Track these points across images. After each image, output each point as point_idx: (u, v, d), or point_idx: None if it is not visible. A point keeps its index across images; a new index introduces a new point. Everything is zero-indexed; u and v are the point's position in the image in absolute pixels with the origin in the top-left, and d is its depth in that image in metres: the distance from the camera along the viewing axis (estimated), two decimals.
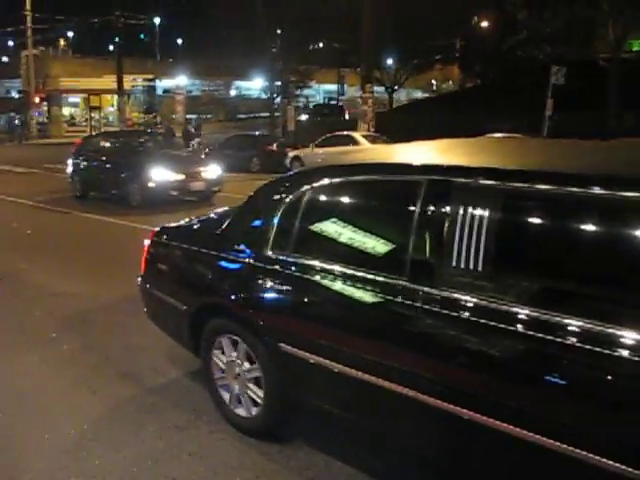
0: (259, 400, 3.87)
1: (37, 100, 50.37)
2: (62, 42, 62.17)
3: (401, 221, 3.13)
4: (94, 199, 15.63)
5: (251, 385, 3.91)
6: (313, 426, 3.96)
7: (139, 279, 4.80)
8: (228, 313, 3.95)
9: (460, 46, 43.26)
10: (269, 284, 3.64)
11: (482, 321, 2.68)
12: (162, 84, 57.63)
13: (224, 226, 4.21)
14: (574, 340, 2.43)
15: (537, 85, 22.10)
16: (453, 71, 49.93)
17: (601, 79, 22.77)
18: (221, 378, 4.13)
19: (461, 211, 2.84)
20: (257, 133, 27.69)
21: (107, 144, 16.35)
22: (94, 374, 4.99)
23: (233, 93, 65.11)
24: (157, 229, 4.80)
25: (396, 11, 30.86)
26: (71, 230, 11.94)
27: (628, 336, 2.32)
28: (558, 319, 2.48)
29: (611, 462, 2.30)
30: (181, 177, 13.94)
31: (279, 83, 40.77)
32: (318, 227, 3.59)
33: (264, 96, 47.47)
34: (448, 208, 2.89)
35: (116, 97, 46.86)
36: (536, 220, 2.78)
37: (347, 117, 40.67)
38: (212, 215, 5.06)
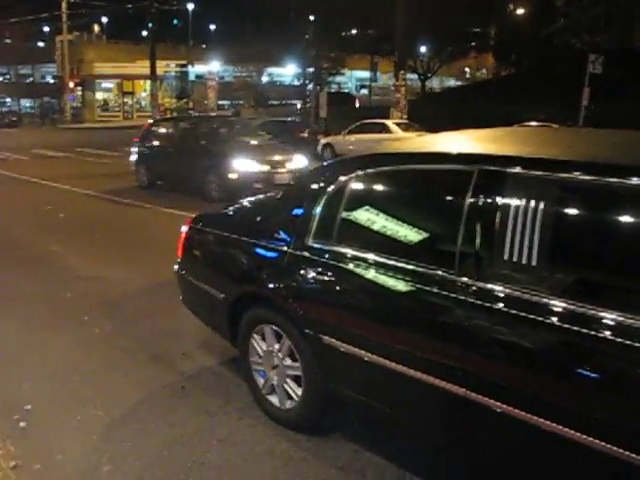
0: (295, 397, 3.84)
1: (71, 85, 50.93)
2: (96, 28, 62.65)
3: (450, 212, 3.05)
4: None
5: (289, 381, 3.87)
6: (343, 415, 3.92)
7: (175, 265, 4.80)
8: (268, 303, 3.90)
9: (495, 34, 42.71)
10: (310, 274, 3.56)
11: (531, 317, 2.60)
12: (194, 70, 57.70)
13: (264, 214, 4.17)
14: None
15: (574, 74, 21.70)
16: (487, 59, 49.39)
17: None
18: (257, 363, 4.09)
19: (513, 202, 2.75)
20: (288, 119, 27.57)
21: (178, 129, 15.07)
22: (125, 357, 5.02)
23: (265, 79, 65.07)
24: (194, 216, 4.78)
25: None
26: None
27: None
28: (622, 318, 2.38)
29: None
30: (266, 168, 12.46)
31: (311, 70, 40.66)
32: (362, 217, 3.50)
33: (296, 83, 47.42)
34: (500, 199, 2.80)
35: (149, 82, 47.17)
36: (593, 213, 2.66)
37: (357, 105, 40.25)
38: (248, 203, 5.03)
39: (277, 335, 3.89)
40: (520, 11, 39.24)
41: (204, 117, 20.39)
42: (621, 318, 2.38)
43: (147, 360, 4.96)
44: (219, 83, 55.01)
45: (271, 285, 3.82)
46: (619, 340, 2.36)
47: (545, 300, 2.59)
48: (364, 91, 65.97)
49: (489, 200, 2.84)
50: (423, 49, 42.65)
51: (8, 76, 65.29)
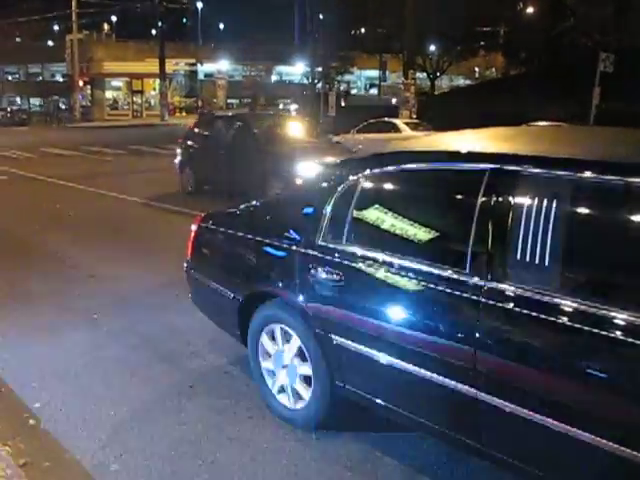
0: (305, 396, 3.82)
1: (81, 84, 51.11)
2: (106, 26, 62.74)
3: (461, 211, 3.04)
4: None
5: (299, 380, 3.85)
6: (352, 415, 3.90)
7: (185, 264, 4.79)
8: (277, 302, 3.89)
9: (504, 33, 42.54)
10: (320, 273, 3.53)
11: (543, 317, 2.58)
12: (203, 68, 57.92)
13: (274, 213, 4.15)
14: None
15: (584, 73, 21.59)
16: (496, 58, 49.14)
17: None
18: (267, 363, 4.08)
19: (526, 202, 2.73)
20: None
21: (227, 128, 13.23)
22: (134, 356, 5.02)
23: (274, 78, 65.08)
24: (203, 214, 4.77)
25: None
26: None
27: None
28: (634, 318, 2.35)
29: None
30: None
31: (320, 69, 40.66)
32: (372, 216, 3.47)
33: (305, 81, 47.43)
34: (512, 198, 2.77)
35: (158, 81, 47.31)
36: (606, 212, 2.63)
37: (343, 104, 39.77)
38: (257, 202, 5.02)
39: (286, 335, 3.88)
40: (530, 10, 39.10)
41: (257, 114, 18.33)
42: (633, 318, 2.35)
43: (156, 359, 4.96)
44: (228, 82, 55.16)
45: (280, 284, 3.81)
46: (631, 340, 2.35)
47: (557, 300, 2.57)
48: (373, 90, 65.95)
49: (501, 199, 2.81)
50: (432, 48, 42.55)
51: (18, 75, 65.57)
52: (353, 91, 62.45)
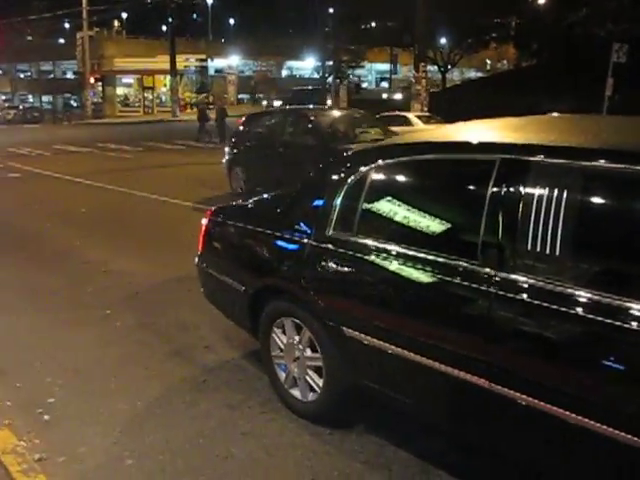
0: (317, 388, 3.81)
1: (92, 81, 51.27)
2: (116, 23, 62.92)
3: (472, 202, 3.01)
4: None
5: (311, 372, 3.84)
6: (366, 408, 3.89)
7: (196, 258, 4.79)
8: (289, 295, 3.88)
9: (516, 24, 42.21)
10: (331, 265, 3.52)
11: (555, 307, 2.55)
12: (214, 64, 57.99)
13: (284, 206, 4.14)
14: None
15: (597, 64, 21.36)
16: (508, 50, 48.84)
17: None
18: (278, 357, 4.07)
19: (537, 191, 2.70)
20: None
21: (284, 124, 12.39)
22: (147, 351, 5.03)
23: (285, 73, 65.07)
24: (213, 208, 4.76)
25: None
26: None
27: None
28: None
29: None
30: None
31: (331, 63, 40.56)
32: (383, 207, 3.45)
33: (316, 76, 47.37)
34: (523, 188, 2.75)
35: (169, 77, 47.36)
36: (617, 201, 2.60)
37: (329, 102, 38.81)
38: (267, 195, 5.00)
39: (298, 328, 3.87)
40: (541, 0, 38.79)
41: (317, 109, 15.94)
42: None
43: (169, 353, 4.97)
44: (239, 77, 55.15)
45: (292, 277, 3.79)
46: (628, 326, 2.33)
47: (569, 291, 2.54)
48: (384, 84, 65.72)
49: (512, 189, 2.79)
50: (443, 41, 42.35)
51: (29, 73, 65.96)
52: (364, 85, 62.26)
